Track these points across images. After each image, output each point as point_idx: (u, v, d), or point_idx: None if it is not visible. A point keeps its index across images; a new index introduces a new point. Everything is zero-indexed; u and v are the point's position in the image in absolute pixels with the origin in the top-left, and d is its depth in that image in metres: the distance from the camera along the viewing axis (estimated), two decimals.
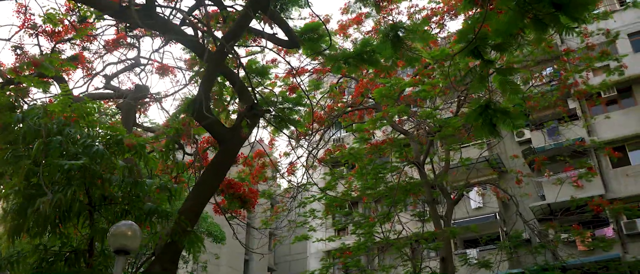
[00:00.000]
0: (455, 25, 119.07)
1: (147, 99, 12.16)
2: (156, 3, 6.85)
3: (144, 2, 6.51)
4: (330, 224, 22.17)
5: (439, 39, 15.27)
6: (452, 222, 16.37)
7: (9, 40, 10.02)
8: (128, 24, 7.26)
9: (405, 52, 7.11)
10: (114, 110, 13.68)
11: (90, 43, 11.62)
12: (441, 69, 13.07)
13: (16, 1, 10.11)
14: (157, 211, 7.05)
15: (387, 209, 16.02)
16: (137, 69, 12.41)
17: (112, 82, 12.45)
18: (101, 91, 12.27)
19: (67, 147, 6.55)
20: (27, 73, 7.16)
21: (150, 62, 11.67)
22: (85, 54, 11.92)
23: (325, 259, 20.16)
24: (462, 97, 15.79)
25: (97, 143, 6.79)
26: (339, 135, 27.30)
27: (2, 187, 7.25)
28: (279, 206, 19.85)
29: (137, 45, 12.31)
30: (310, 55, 9.68)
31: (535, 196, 22.98)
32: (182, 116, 7.46)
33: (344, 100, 17.52)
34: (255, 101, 8.04)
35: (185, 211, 7.30)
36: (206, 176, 7.58)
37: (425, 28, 11.01)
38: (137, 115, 12.11)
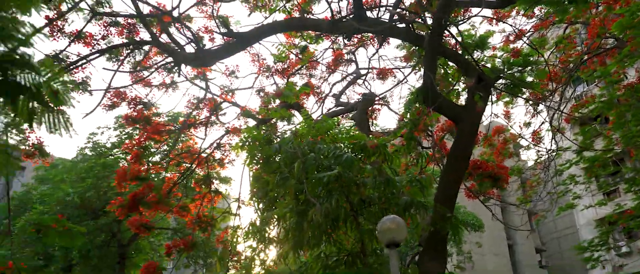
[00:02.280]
0: None
1: (376, 105, 12.66)
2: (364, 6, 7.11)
3: (352, 11, 6.83)
4: (596, 188, 19.85)
5: None
6: None
7: (252, 87, 11.56)
8: (345, 36, 7.67)
9: None
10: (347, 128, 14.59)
11: (314, 69, 12.68)
12: None
13: (249, 52, 11.61)
14: (413, 203, 7.22)
15: None
16: (360, 80, 13.09)
17: (340, 99, 13.33)
18: (334, 109, 13.22)
19: (321, 162, 7.15)
20: (272, 105, 8.11)
21: (369, 70, 12.15)
22: (313, 81, 13.05)
23: (600, 226, 18.08)
24: None
25: (344, 152, 7.27)
26: (581, 89, 24.57)
27: (277, 208, 8.29)
28: (531, 180, 18.58)
29: (353, 58, 13.02)
30: (526, 3, 8.88)
31: None
32: (414, 107, 7.54)
33: (578, 49, 15.66)
34: (482, 72, 7.72)
35: (439, 199, 7.30)
36: (452, 160, 7.50)
37: None
38: (370, 122, 12.68)
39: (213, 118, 11.46)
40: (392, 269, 6.06)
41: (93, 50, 7.85)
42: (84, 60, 7.72)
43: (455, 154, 7.49)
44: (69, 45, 8.23)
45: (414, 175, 8.62)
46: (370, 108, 12.33)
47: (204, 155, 11.47)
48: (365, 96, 11.82)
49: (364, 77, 13.03)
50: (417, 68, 9.99)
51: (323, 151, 7.40)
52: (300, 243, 7.39)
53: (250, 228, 8.70)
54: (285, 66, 11.39)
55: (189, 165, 11.55)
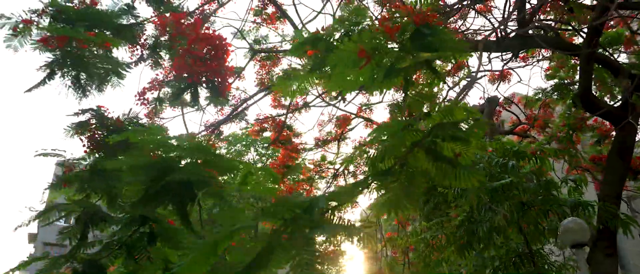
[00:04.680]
0: None
1: (498, 107, 12.93)
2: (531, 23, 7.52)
3: (517, 30, 7.28)
4: None
5: None
6: None
7: (381, 101, 12.26)
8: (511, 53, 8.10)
9: None
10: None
11: None
12: None
13: None
14: (580, 203, 7.54)
15: None
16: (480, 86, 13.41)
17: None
18: None
19: (489, 169, 7.62)
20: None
21: (499, 72, 12.44)
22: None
23: None
24: None
25: (509, 161, 7.70)
26: None
27: (437, 216, 8.83)
28: None
29: (466, 63, 13.32)
30: None
31: None
32: (572, 111, 7.85)
33: None
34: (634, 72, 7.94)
35: (604, 197, 7.58)
36: (613, 160, 7.76)
37: None
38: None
39: (345, 133, 12.22)
40: (581, 268, 6.43)
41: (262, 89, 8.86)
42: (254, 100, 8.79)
43: (615, 155, 7.74)
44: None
45: (567, 175, 8.91)
46: (494, 111, 12.61)
47: (338, 169, 12.24)
48: (490, 99, 12.12)
49: (479, 80, 13.31)
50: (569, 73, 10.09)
51: (487, 160, 7.85)
52: (467, 247, 7.90)
53: (410, 234, 9.35)
54: None
55: (327, 178, 12.35)
